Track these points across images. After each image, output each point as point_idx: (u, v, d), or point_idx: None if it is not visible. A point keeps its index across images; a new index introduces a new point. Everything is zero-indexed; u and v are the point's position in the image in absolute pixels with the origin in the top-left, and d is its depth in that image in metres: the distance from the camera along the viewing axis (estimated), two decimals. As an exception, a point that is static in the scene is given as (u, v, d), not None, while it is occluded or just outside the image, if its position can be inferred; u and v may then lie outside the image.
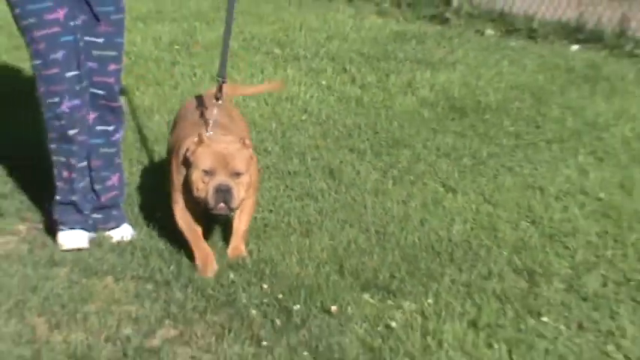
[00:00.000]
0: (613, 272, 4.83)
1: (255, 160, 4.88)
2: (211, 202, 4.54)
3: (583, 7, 10.04)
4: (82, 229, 5.24)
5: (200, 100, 5.21)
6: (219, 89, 4.99)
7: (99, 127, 5.19)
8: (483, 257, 5.02)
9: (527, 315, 4.43)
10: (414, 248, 5.15)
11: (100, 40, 5.05)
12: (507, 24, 10.24)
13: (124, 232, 5.33)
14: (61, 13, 4.90)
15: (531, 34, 9.87)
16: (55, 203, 5.24)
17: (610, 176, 6.06)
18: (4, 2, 4.99)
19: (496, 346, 4.16)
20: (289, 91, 8.06)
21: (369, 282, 4.77)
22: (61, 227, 5.25)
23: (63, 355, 4.20)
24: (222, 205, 4.55)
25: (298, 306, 4.55)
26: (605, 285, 4.71)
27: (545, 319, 4.39)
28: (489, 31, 10.13)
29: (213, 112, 4.89)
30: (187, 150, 4.68)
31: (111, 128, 5.21)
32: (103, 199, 5.31)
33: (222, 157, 4.55)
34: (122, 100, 5.32)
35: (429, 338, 4.24)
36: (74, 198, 5.19)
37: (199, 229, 4.86)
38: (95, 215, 5.33)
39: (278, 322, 4.42)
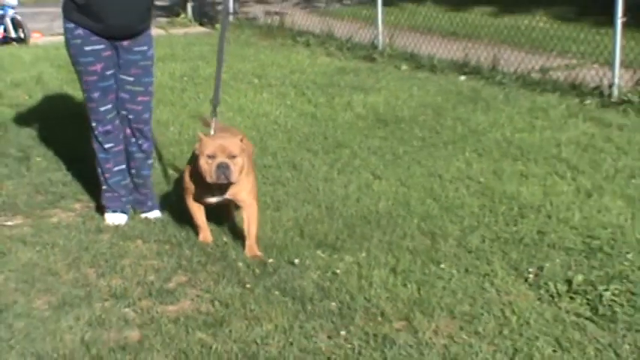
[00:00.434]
0: (489, 233, 4.84)
1: (250, 154, 4.77)
2: (214, 176, 4.42)
3: (467, 50, 10.07)
4: (121, 212, 5.21)
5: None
6: (214, 109, 4.94)
7: (132, 140, 5.17)
8: (400, 224, 5.01)
9: (430, 263, 4.43)
10: (353, 218, 5.14)
11: (131, 79, 5.02)
12: (416, 61, 10.24)
13: (153, 214, 5.28)
14: (98, 67, 4.91)
15: (433, 69, 9.87)
16: (102, 192, 5.22)
17: (487, 167, 6.07)
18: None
19: (409, 285, 4.17)
20: (264, 110, 8.05)
21: (321, 242, 4.76)
22: (106, 210, 5.22)
23: (107, 294, 4.18)
24: (222, 176, 4.43)
25: (272, 259, 4.54)
26: (483, 242, 4.72)
27: (442, 266, 4.39)
28: (404, 67, 10.13)
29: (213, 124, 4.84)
30: (196, 146, 4.59)
31: (140, 141, 5.18)
32: (140, 190, 5.28)
33: (220, 145, 4.46)
34: (151, 121, 5.25)
35: (362, 281, 4.24)
36: (112, 190, 5.17)
37: (203, 213, 4.74)
38: (135, 204, 5.30)
39: (257, 270, 4.40)
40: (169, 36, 13.22)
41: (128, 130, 5.14)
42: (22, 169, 6.26)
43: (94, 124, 5.05)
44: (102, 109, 5.00)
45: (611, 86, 8.04)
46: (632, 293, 4.00)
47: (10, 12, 13.11)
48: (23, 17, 13.28)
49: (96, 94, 4.97)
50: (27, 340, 3.73)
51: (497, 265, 4.39)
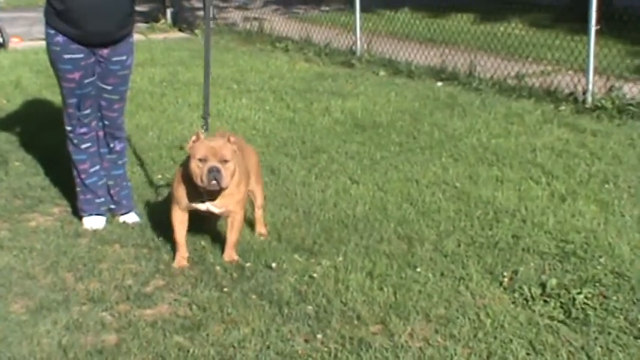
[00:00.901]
0: (464, 237, 4.86)
1: (255, 164, 4.74)
2: (205, 180, 4.31)
3: (444, 56, 10.12)
4: (97, 214, 5.19)
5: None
6: (205, 122, 4.92)
7: (104, 142, 5.18)
8: (377, 228, 5.03)
9: (406, 267, 4.44)
10: (330, 222, 5.14)
11: (109, 88, 5.03)
12: (394, 67, 10.26)
13: (130, 218, 5.26)
14: (77, 75, 4.92)
15: (410, 75, 9.90)
16: (77, 195, 5.21)
17: (463, 172, 6.10)
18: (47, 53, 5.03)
19: (385, 289, 4.18)
20: (243, 115, 8.04)
21: (298, 246, 4.76)
22: (82, 213, 5.20)
23: (84, 298, 4.17)
24: (214, 182, 4.32)
25: (249, 263, 4.54)
26: (459, 246, 4.74)
27: (418, 270, 4.41)
28: (382, 73, 10.15)
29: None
30: (188, 146, 4.48)
31: (112, 144, 5.19)
32: (112, 191, 5.26)
33: (212, 148, 4.35)
34: (124, 125, 5.26)
35: (339, 284, 4.25)
36: (89, 192, 5.15)
37: (184, 230, 4.59)
38: (111, 206, 5.28)
39: (235, 274, 4.40)
40: (149, 41, 13.18)
41: (101, 133, 5.15)
42: (0, 174, 6.22)
43: (69, 128, 5.06)
44: (79, 113, 5.02)
45: (585, 93, 8.11)
46: (605, 297, 4.04)
47: (-11, 16, 13.02)
48: (2, 22, 13.18)
49: (73, 100, 4.98)
50: (3, 344, 3.71)
51: (472, 268, 4.41)
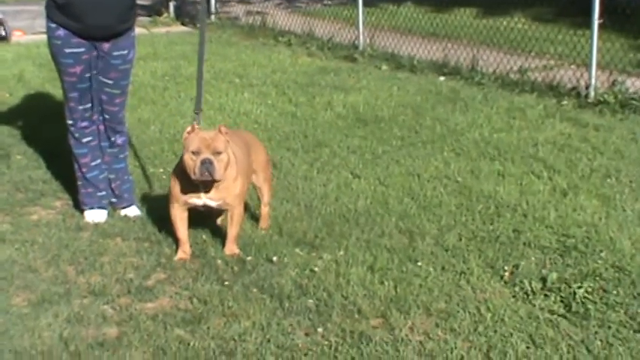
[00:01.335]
0: (465, 231, 4.86)
1: (234, 159, 4.53)
2: (198, 172, 4.30)
3: (447, 51, 10.11)
4: (99, 208, 5.20)
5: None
6: (198, 116, 4.83)
7: (105, 136, 5.18)
8: (378, 222, 5.03)
9: (407, 261, 4.45)
10: (331, 216, 5.15)
11: (110, 82, 5.02)
12: (396, 62, 10.26)
13: (132, 211, 5.27)
14: (78, 69, 4.92)
15: (413, 69, 9.89)
16: (78, 189, 5.22)
17: (464, 166, 6.10)
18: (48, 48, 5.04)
19: (386, 283, 4.18)
20: (245, 109, 8.05)
21: (299, 240, 4.77)
22: (84, 207, 5.21)
23: (86, 292, 4.18)
24: (206, 173, 4.31)
25: (250, 257, 4.54)
26: (460, 240, 4.74)
27: (419, 264, 4.41)
28: (384, 67, 10.14)
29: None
30: (183, 138, 4.46)
31: (113, 138, 5.20)
32: (114, 184, 5.27)
33: (204, 140, 4.34)
34: (125, 119, 5.27)
35: (340, 278, 4.25)
36: (90, 186, 5.16)
37: (185, 225, 4.58)
38: (113, 199, 5.29)
39: (236, 268, 4.41)
40: (151, 35, 13.19)
41: (102, 127, 5.15)
42: (2, 167, 6.24)
43: (70, 122, 5.07)
44: (80, 107, 5.03)
45: (587, 87, 8.10)
46: (605, 291, 4.04)
47: (-9, 10, 13.04)
48: (5, 15, 13.20)
49: (75, 94, 4.99)
50: (5, 336, 3.72)
51: (473, 263, 4.42)
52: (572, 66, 8.81)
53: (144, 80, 9.37)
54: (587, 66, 8.23)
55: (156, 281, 4.31)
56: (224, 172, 4.40)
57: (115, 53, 4.97)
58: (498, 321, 3.79)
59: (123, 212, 5.26)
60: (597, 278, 4.17)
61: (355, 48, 11.16)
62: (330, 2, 15.66)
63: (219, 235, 4.80)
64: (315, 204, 5.37)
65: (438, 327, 3.76)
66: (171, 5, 15.45)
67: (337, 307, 3.95)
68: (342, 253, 4.57)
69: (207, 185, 4.45)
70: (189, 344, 3.62)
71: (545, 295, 4.03)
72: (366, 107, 8.01)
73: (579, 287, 4.03)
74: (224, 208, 4.61)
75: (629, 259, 4.41)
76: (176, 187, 4.53)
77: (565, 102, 8.00)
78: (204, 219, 4.90)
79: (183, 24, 14.94)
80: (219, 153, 4.35)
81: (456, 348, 3.57)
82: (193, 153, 4.34)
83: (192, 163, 4.34)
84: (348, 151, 6.57)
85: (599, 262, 4.38)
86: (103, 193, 5.22)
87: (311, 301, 4.02)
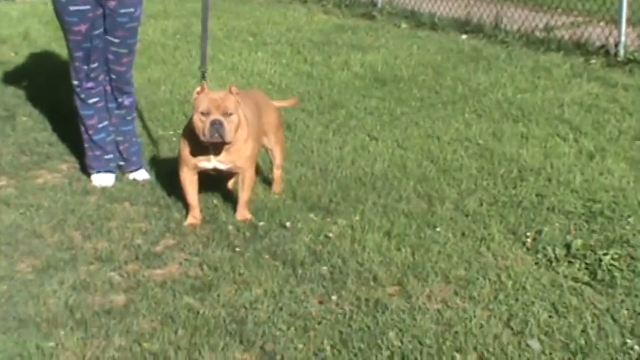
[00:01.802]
0: (486, 196, 4.82)
1: (245, 120, 4.50)
2: (207, 134, 4.28)
3: (469, 7, 9.99)
4: (106, 171, 5.20)
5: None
6: (203, 76, 4.81)
7: (112, 97, 5.16)
8: (396, 186, 5.00)
9: (426, 227, 4.42)
10: (347, 180, 5.12)
11: (117, 41, 4.99)
12: (416, 19, 10.16)
13: (140, 175, 5.26)
14: (83, 27, 4.88)
15: (433, 27, 9.80)
16: (85, 151, 5.21)
17: (486, 128, 6.04)
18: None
19: (403, 249, 4.16)
20: (259, 68, 8.00)
21: (313, 205, 4.75)
22: (90, 170, 5.21)
23: (92, 258, 4.18)
24: (216, 135, 4.29)
25: (263, 222, 4.53)
26: (481, 205, 4.71)
27: (438, 230, 4.39)
28: (404, 25, 10.05)
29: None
30: (193, 98, 4.44)
31: (121, 99, 5.18)
32: (121, 147, 5.25)
33: (214, 100, 4.31)
34: (132, 79, 5.24)
35: (356, 245, 4.23)
36: (97, 148, 5.15)
37: (195, 190, 4.56)
38: (120, 162, 5.28)
39: (248, 234, 4.40)
40: (162, -8, 13.11)
41: (108, 88, 5.13)
42: (7, 129, 6.23)
43: (76, 82, 5.05)
44: (86, 67, 5.00)
45: (617, 45, 7.98)
46: (632, 257, 4.00)
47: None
48: (10, -28, 13.14)
49: (80, 54, 4.96)
50: (9, 303, 3.72)
51: (494, 228, 4.38)
52: (601, 23, 8.67)
53: (154, 39, 9.34)
54: (617, 22, 8.10)
55: (165, 247, 4.30)
56: (234, 133, 4.37)
57: (122, 11, 4.92)
58: (520, 289, 3.76)
59: (131, 176, 5.25)
60: (624, 245, 4.13)
61: (373, 5, 11.06)
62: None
63: (230, 199, 4.78)
64: (331, 167, 5.33)
65: (456, 295, 3.73)
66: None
67: (352, 274, 3.93)
68: (357, 218, 4.54)
69: (217, 147, 4.42)
70: (198, 312, 3.61)
71: (570, 262, 3.99)
72: (384, 67, 7.94)
73: (605, 254, 3.99)
74: (235, 172, 4.59)
75: (658, 224, 4.37)
76: (185, 150, 4.51)
77: (593, 61, 7.89)
78: (214, 183, 4.88)
79: (195, -20, 14.84)
80: (229, 114, 4.32)
81: (475, 317, 3.54)
82: (202, 114, 4.31)
83: (201, 124, 4.31)
84: (365, 113, 6.53)
85: (627, 227, 4.33)
86: (111, 156, 5.20)
87: (325, 267, 4.00)
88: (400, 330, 3.46)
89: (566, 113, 6.33)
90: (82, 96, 5.06)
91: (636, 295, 3.69)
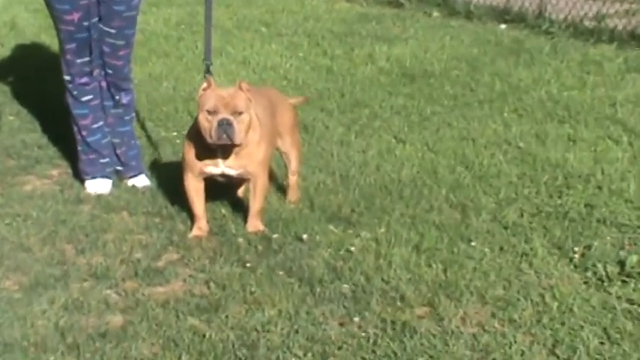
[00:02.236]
0: (528, 206, 4.82)
1: (257, 120, 4.50)
2: (214, 135, 4.28)
3: (509, -7, 10.00)
4: (102, 177, 5.22)
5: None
6: (208, 70, 4.78)
7: (108, 94, 5.18)
8: (426, 195, 5.00)
9: (459, 241, 4.42)
10: (371, 188, 5.13)
11: (113, 31, 5.01)
12: (449, 7, 10.17)
13: (140, 181, 5.28)
14: (75, 16, 4.91)
15: (468, 16, 9.80)
16: (78, 155, 5.24)
17: (528, 129, 6.04)
18: None
19: (434, 265, 4.16)
20: (273, 61, 8.04)
21: (333, 215, 4.75)
22: (84, 176, 5.24)
23: (86, 274, 4.20)
24: (224, 136, 4.28)
25: (277, 235, 4.54)
26: (521, 216, 4.70)
27: (473, 244, 4.39)
28: (435, 13, 10.06)
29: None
30: (198, 95, 4.44)
31: (118, 96, 5.20)
32: (119, 150, 5.28)
33: (222, 98, 4.31)
34: (131, 74, 5.26)
35: (381, 260, 4.24)
36: (92, 151, 5.18)
37: (201, 199, 4.57)
38: (118, 167, 5.30)
39: (260, 247, 4.41)
40: (164, -23, 13.18)
41: (104, 84, 5.15)
42: (-8, 130, 6.29)
43: (68, 77, 5.08)
44: (79, 61, 5.01)
45: (677, 36, 7.97)
46: (694, 277, 3.99)
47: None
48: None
49: (72, 46, 4.98)
50: (-7, 325, 3.75)
51: (537, 243, 4.37)
52: (659, 11, 8.66)
53: (155, 29, 9.39)
54: (676, 11, 8.08)
55: (167, 262, 4.32)
56: (245, 135, 4.37)
57: (119, -2, 4.96)
58: (566, 311, 3.75)
59: (130, 182, 5.27)
60: (685, 262, 4.11)
61: (402, -9, 11.08)
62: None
63: (241, 209, 4.80)
64: (353, 173, 5.34)
65: (494, 317, 3.73)
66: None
67: (377, 293, 3.93)
68: (383, 230, 4.55)
69: (225, 151, 4.43)
70: (204, 335, 3.62)
71: (623, 282, 3.98)
72: (413, 61, 7.95)
73: (664, 272, 3.98)
74: (246, 178, 4.60)
75: None
76: (190, 154, 4.52)
77: (649, 54, 7.88)
78: (223, 190, 4.89)
79: (201, -36, 14.91)
80: (239, 113, 4.33)
81: (515, 342, 3.53)
82: (209, 113, 4.32)
83: (207, 124, 4.32)
84: (391, 112, 6.53)
85: (688, 242, 4.32)
86: (107, 160, 5.23)
87: (346, 286, 4.00)
88: (431, 357, 3.46)
89: (619, 113, 6.31)
90: (75, 93, 5.09)
91: (698, 319, 3.67)
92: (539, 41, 8.55)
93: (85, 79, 5.07)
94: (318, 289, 3.97)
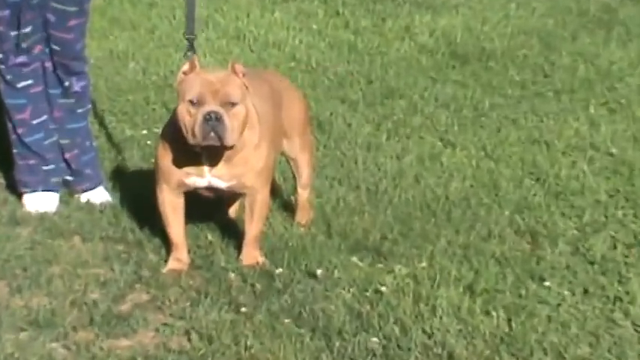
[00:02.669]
0: (623, 233, 4.82)
1: (255, 114, 4.51)
2: (199, 133, 4.25)
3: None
4: (46, 190, 5.22)
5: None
6: (191, 46, 4.79)
7: (54, 78, 5.17)
8: (483, 217, 5.01)
9: (528, 280, 4.42)
10: (408, 207, 5.14)
11: None
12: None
13: (98, 196, 5.30)
14: None
15: (541, -25, 9.83)
16: (14, 160, 5.24)
17: (623, 130, 6.05)
18: None
19: (494, 313, 4.15)
20: (276, 36, 8.05)
21: (358, 243, 4.77)
22: (23, 188, 5.24)
23: (23, 321, 4.19)
24: (212, 135, 4.26)
25: (281, 269, 4.55)
26: (614, 247, 4.70)
27: (547, 283, 4.38)
28: (496, -28, 10.09)
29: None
30: (177, 81, 4.46)
31: (68, 82, 5.18)
32: (68, 154, 5.27)
33: (210, 84, 4.31)
34: (85, 52, 5.26)
35: (421, 304, 4.23)
36: (31, 155, 5.18)
37: (180, 219, 4.60)
38: (67, 177, 5.31)
39: (259, 286, 4.42)
40: None
41: (49, 65, 5.14)
42: None
43: (0, 56, 5.06)
44: (13, 33, 5.00)
45: None
46: None
47: None
48: None
49: (5, 13, 4.97)
50: None
51: (635, 284, 4.37)
52: None
53: (119, -8, 9.44)
54: None
55: (134, 306, 4.32)
56: (239, 134, 4.38)
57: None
58: (673, 377, 3.76)
59: (84, 197, 5.30)
60: None
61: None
62: None
63: (233, 234, 4.81)
64: (384, 187, 5.37)
65: (577, 385, 3.75)
66: None
67: (416, 349, 3.93)
68: (424, 264, 4.56)
69: (213, 155, 4.44)
70: (183, 406, 3.65)
71: None
72: (465, 36, 7.98)
73: None
74: (240, 192, 4.62)
75: None
76: (166, 159, 4.53)
77: None
78: (209, 208, 4.91)
79: None
80: (232, 104, 4.33)
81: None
82: (192, 103, 4.32)
83: (190, 118, 4.31)
84: (436, 105, 6.57)
85: None
86: (52, 166, 5.24)
87: (375, 339, 4.01)
88: None
89: None
90: (8, 77, 5.07)
91: None
92: (637, 9, 8.56)
93: (22, 58, 5.06)
94: (337, 344, 3.98)
